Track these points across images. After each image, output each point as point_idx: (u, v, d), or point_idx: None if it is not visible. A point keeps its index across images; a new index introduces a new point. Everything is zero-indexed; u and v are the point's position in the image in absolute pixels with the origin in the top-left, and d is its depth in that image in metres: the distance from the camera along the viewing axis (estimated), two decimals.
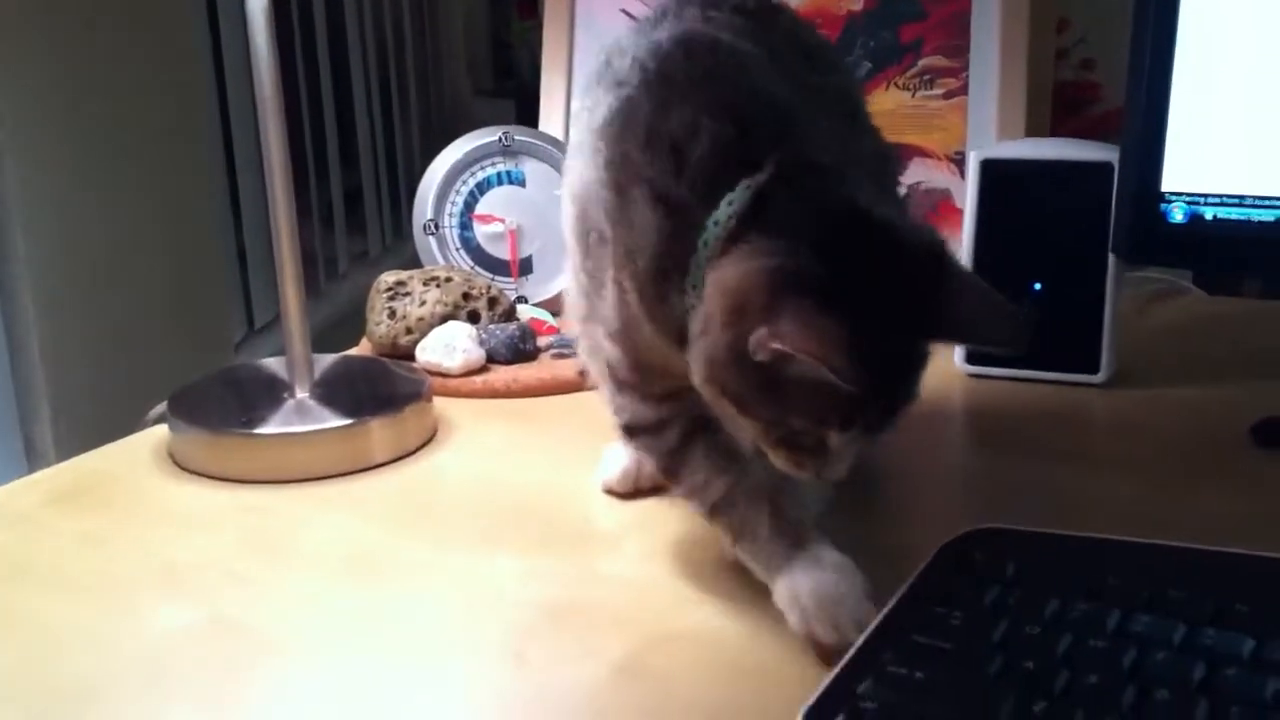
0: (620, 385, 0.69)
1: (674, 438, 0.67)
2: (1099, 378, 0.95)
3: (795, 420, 0.58)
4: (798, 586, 0.61)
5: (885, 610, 0.56)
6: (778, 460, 0.61)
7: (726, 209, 0.58)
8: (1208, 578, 0.55)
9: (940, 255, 0.58)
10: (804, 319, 0.54)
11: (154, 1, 1.71)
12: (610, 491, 0.80)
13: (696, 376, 0.60)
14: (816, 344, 0.53)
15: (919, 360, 0.59)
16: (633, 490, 0.80)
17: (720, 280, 0.58)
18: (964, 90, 1.19)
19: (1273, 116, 0.87)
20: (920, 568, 0.59)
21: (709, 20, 0.67)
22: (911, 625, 0.54)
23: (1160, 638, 0.51)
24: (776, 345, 0.54)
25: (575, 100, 0.75)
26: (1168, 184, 0.90)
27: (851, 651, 0.53)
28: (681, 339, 0.61)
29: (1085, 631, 0.52)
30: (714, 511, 0.66)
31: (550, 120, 1.30)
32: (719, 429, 0.65)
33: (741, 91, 0.62)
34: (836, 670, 0.53)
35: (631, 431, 0.70)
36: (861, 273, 0.56)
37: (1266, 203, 0.87)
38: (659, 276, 0.61)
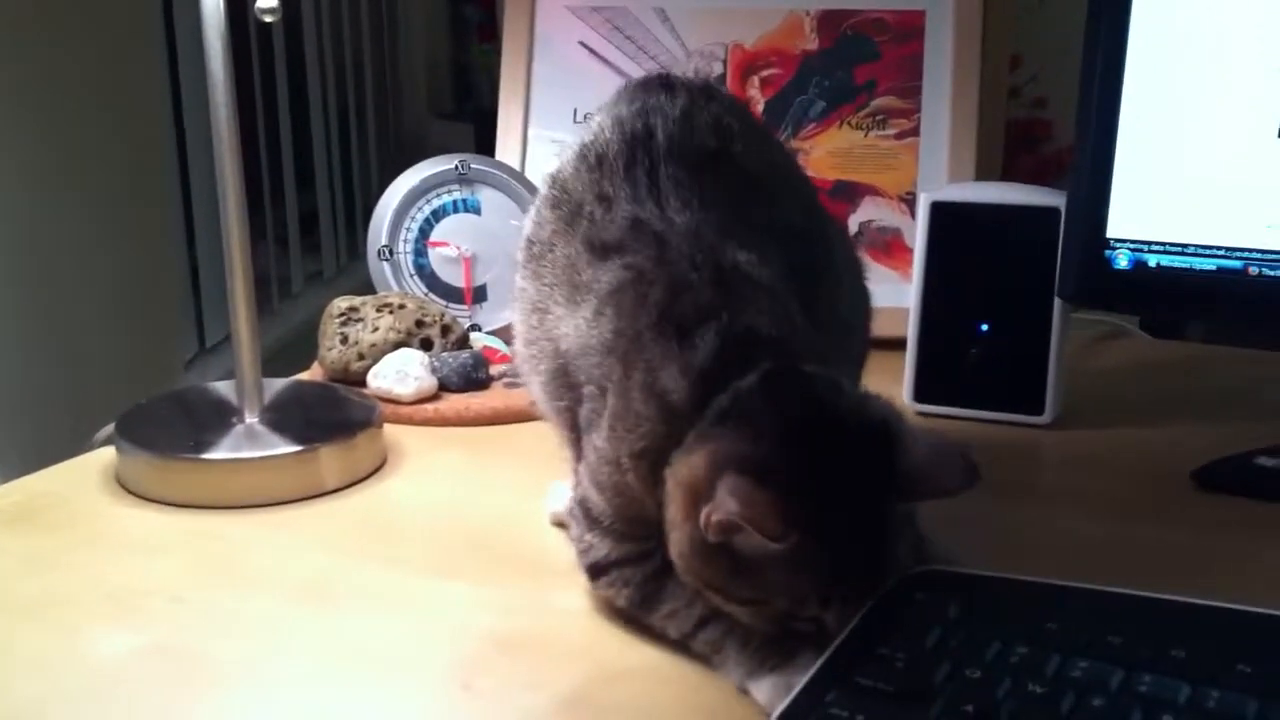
0: (594, 524, 0.68)
1: (656, 563, 0.65)
2: (1044, 418, 0.97)
3: (778, 601, 0.60)
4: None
5: (829, 651, 0.57)
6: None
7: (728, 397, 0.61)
8: (1146, 623, 0.56)
9: (887, 422, 0.61)
10: (736, 488, 0.56)
11: (110, 17, 1.70)
12: (559, 524, 0.80)
13: (678, 571, 0.62)
14: (748, 509, 0.55)
15: (887, 529, 0.60)
16: None
17: (675, 474, 0.61)
18: (916, 131, 1.21)
19: (1214, 167, 0.89)
20: (864, 608, 0.59)
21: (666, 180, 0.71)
22: (854, 667, 0.55)
23: (1098, 682, 0.52)
24: (717, 517, 0.56)
25: (544, 188, 0.76)
26: (1113, 230, 0.92)
27: (794, 693, 0.54)
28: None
29: (1025, 675, 0.53)
30: (698, 627, 0.64)
31: (507, 149, 1.31)
32: None
33: (742, 288, 0.66)
34: (779, 711, 0.53)
35: (600, 570, 0.68)
36: (812, 451, 0.59)
37: (1208, 252, 0.89)
38: (652, 461, 0.63)
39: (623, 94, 0.77)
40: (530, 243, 0.75)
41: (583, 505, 0.68)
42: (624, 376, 0.64)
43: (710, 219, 0.69)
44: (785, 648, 0.61)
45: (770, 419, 0.60)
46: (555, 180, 0.75)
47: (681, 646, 0.65)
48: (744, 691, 0.61)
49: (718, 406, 0.61)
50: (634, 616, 0.67)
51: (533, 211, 0.77)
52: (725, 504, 0.56)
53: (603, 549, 0.68)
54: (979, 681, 0.53)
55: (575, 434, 0.70)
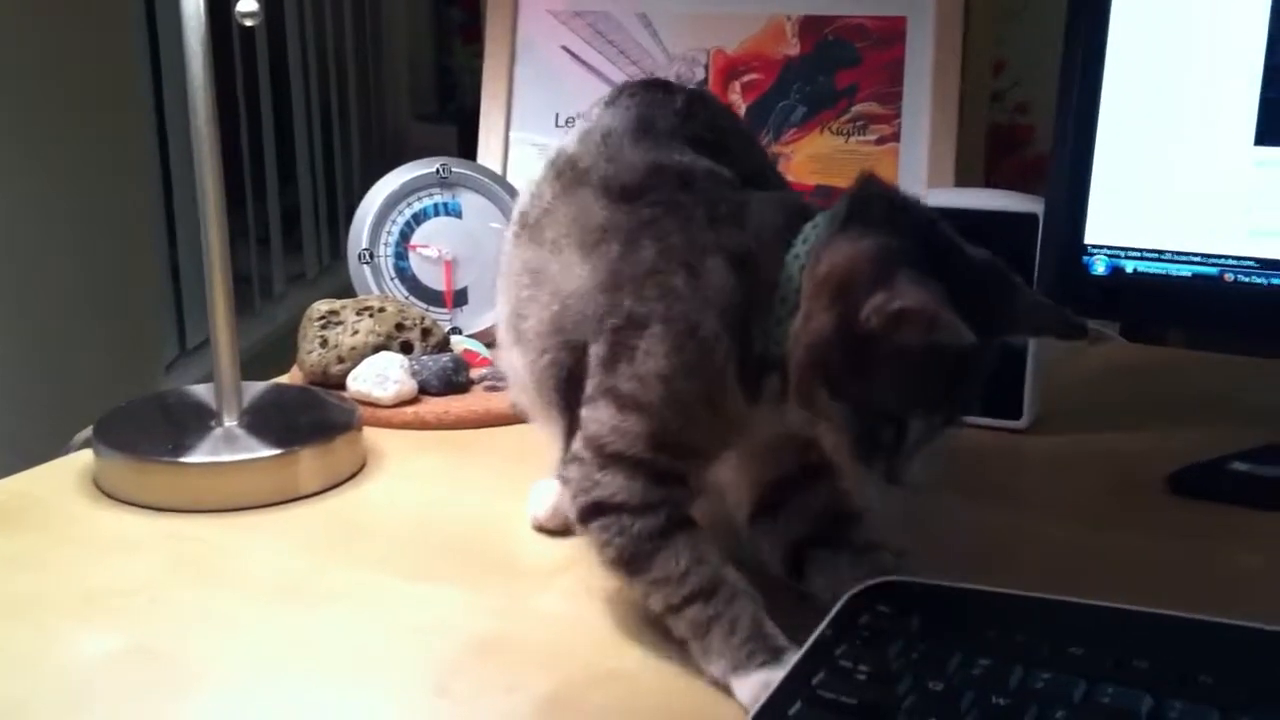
0: (610, 460, 0.66)
1: (658, 522, 0.65)
2: (1021, 423, 0.97)
3: (887, 401, 0.61)
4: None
5: (793, 661, 0.57)
6: (853, 460, 0.63)
7: (809, 235, 0.64)
8: (1109, 634, 0.56)
9: (999, 264, 0.63)
10: (918, 282, 0.58)
11: (91, 16, 1.70)
12: (541, 529, 0.80)
13: (793, 377, 0.63)
14: (934, 301, 0.57)
15: (992, 357, 0.63)
16: (563, 527, 0.79)
17: (827, 265, 0.62)
18: (896, 137, 1.21)
19: (1191, 175, 0.90)
20: (827, 618, 0.59)
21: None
22: (816, 678, 0.55)
23: (1061, 694, 0.52)
24: (897, 304, 0.57)
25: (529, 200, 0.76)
26: (1090, 237, 0.92)
27: (760, 704, 0.54)
28: (753, 393, 0.65)
29: (988, 688, 0.53)
30: (685, 602, 0.63)
31: (489, 151, 1.31)
32: (698, 527, 0.66)
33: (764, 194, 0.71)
34: None
35: (599, 510, 0.66)
36: (946, 269, 0.60)
37: (1184, 258, 0.90)
38: (738, 333, 0.64)
39: (623, 90, 0.78)
40: (524, 216, 0.75)
41: (596, 443, 0.66)
42: (688, 275, 0.65)
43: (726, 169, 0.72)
44: (772, 645, 0.61)
45: (906, 231, 0.62)
46: (557, 159, 0.75)
47: (658, 643, 0.65)
48: (723, 687, 0.61)
49: (827, 222, 0.63)
50: (618, 572, 0.66)
51: (526, 194, 0.77)
52: (911, 294, 0.57)
53: (611, 488, 0.66)
54: (941, 694, 0.53)
55: (567, 388, 0.70)
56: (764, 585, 0.65)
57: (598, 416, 0.67)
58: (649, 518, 0.65)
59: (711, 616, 0.63)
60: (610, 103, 0.77)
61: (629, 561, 0.65)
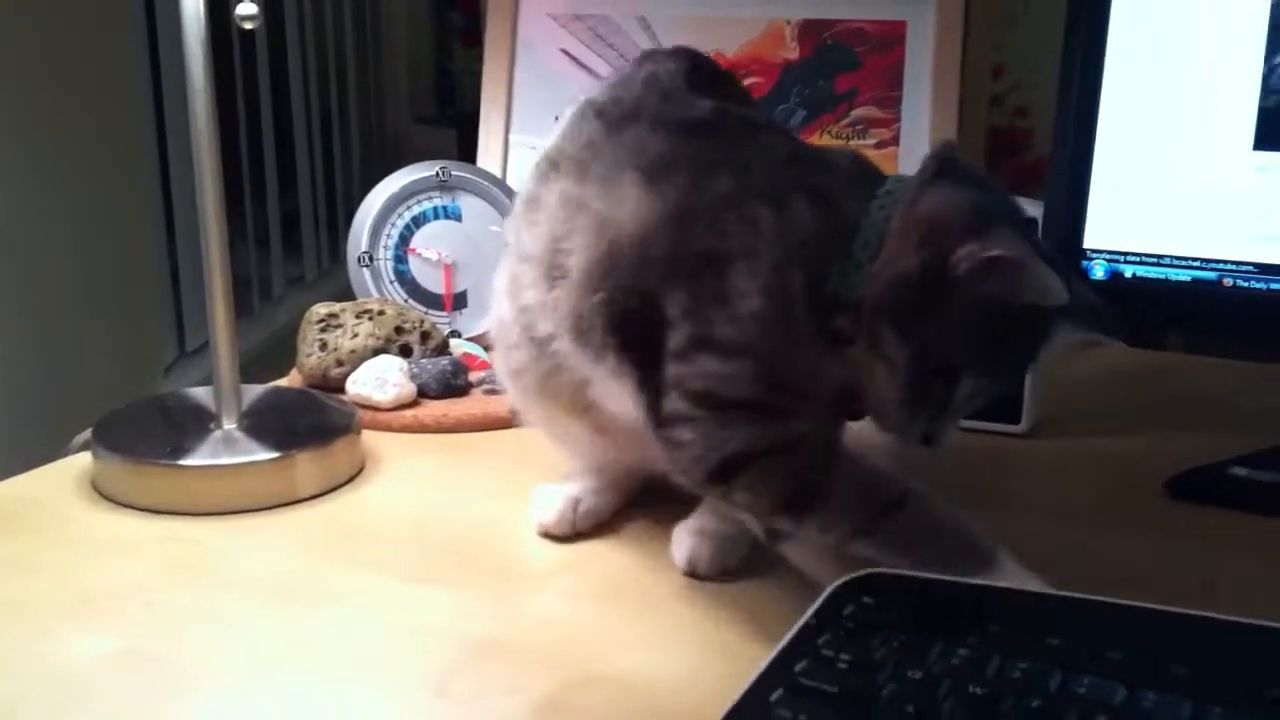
0: (731, 410, 0.64)
1: (808, 456, 0.65)
2: (1021, 427, 0.97)
3: (951, 351, 0.63)
4: None
5: (777, 649, 0.57)
6: (899, 409, 0.65)
7: (892, 186, 0.65)
8: (1085, 625, 0.57)
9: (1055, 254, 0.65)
10: (1015, 237, 0.61)
11: (91, 16, 1.70)
12: (547, 534, 0.80)
13: (868, 311, 0.63)
14: (1031, 255, 0.60)
15: (1051, 333, 0.66)
16: (571, 533, 0.79)
17: (926, 207, 0.63)
18: (896, 141, 1.22)
19: (1190, 180, 0.90)
20: (812, 608, 0.60)
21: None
22: (799, 666, 0.55)
23: (1037, 684, 0.53)
24: (994, 252, 0.60)
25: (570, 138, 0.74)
26: (1089, 241, 0.92)
27: (741, 692, 0.54)
28: (833, 338, 0.65)
29: (966, 677, 0.53)
30: (882, 516, 0.64)
31: (489, 154, 1.31)
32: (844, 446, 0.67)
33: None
34: (726, 711, 0.54)
35: (744, 461, 0.64)
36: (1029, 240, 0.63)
37: (1183, 263, 0.90)
38: (813, 272, 0.64)
39: (649, 55, 0.77)
40: (556, 154, 0.73)
41: (709, 397, 0.64)
42: (772, 209, 0.65)
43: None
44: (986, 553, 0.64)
45: (991, 194, 0.66)
46: (589, 105, 0.74)
47: (658, 644, 0.66)
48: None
49: (923, 169, 0.65)
50: (786, 517, 0.65)
51: (555, 138, 0.75)
52: (1011, 246, 0.60)
53: (746, 437, 0.64)
54: (920, 682, 0.53)
55: (625, 329, 0.67)
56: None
57: (701, 370, 0.64)
58: (796, 455, 0.64)
59: (915, 527, 0.64)
60: (643, 60, 0.76)
61: (795, 503, 0.64)
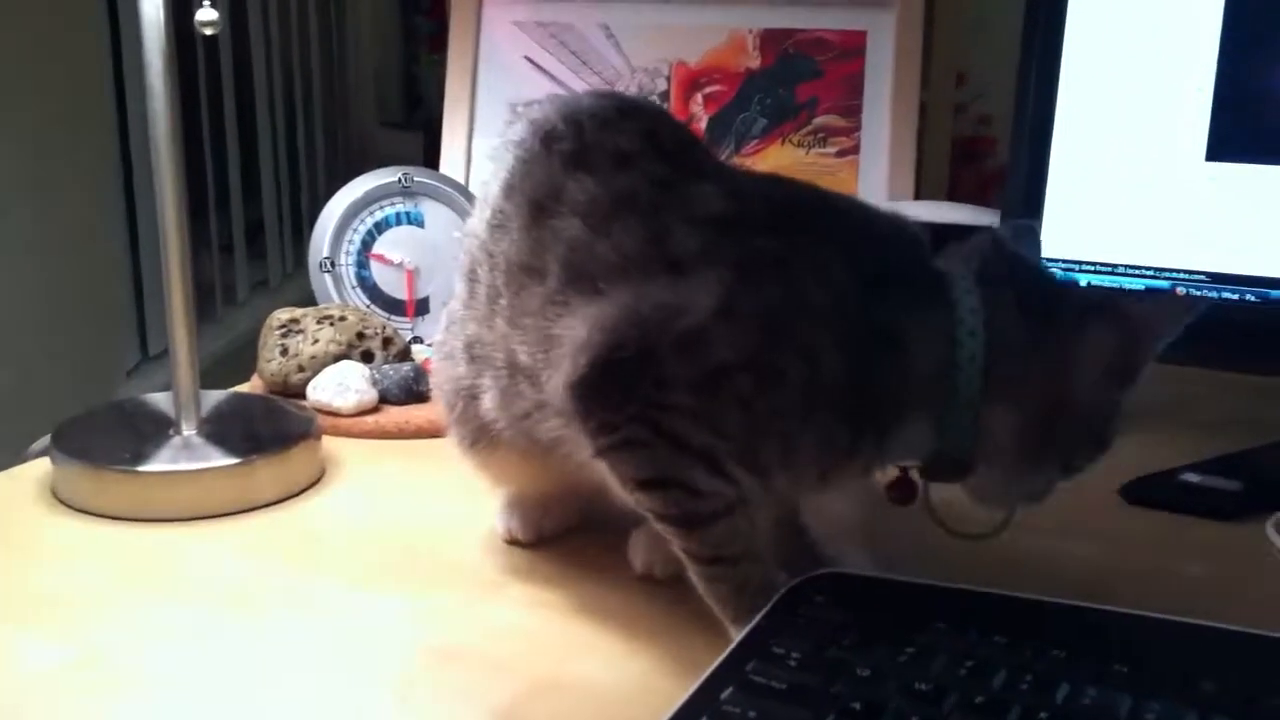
0: (729, 464, 0.63)
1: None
2: None
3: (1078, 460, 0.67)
4: None
5: (730, 648, 0.58)
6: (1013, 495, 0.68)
7: (968, 316, 0.63)
8: (1029, 624, 0.58)
9: None
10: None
11: (53, 18, 1.69)
12: (514, 541, 0.80)
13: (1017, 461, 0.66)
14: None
15: None
16: (535, 538, 0.79)
17: (1102, 349, 0.64)
18: (857, 150, 1.23)
19: (1144, 190, 0.91)
20: (764, 608, 0.61)
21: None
22: (750, 664, 0.56)
23: (982, 681, 0.54)
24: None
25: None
26: (1045, 250, 0.93)
27: (692, 689, 0.55)
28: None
29: (912, 674, 0.54)
30: (718, 561, 0.65)
31: (452, 160, 1.31)
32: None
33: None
34: (676, 708, 0.54)
35: (728, 510, 0.64)
36: None
37: (1137, 272, 0.91)
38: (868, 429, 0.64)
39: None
40: (537, 203, 0.68)
41: (705, 457, 0.63)
42: (841, 354, 0.62)
43: None
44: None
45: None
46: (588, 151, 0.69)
47: (616, 651, 0.66)
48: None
49: (999, 300, 0.64)
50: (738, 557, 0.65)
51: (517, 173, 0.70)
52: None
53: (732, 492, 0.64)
54: (868, 679, 0.54)
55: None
56: None
57: (724, 432, 0.63)
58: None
59: (733, 575, 0.64)
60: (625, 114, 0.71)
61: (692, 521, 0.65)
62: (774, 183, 0.70)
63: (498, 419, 0.71)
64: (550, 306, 0.65)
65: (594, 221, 0.66)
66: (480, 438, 0.74)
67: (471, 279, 0.72)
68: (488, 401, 0.71)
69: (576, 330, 0.64)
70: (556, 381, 0.65)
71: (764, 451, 0.63)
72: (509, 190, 0.70)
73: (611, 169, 0.67)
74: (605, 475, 0.66)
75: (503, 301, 0.68)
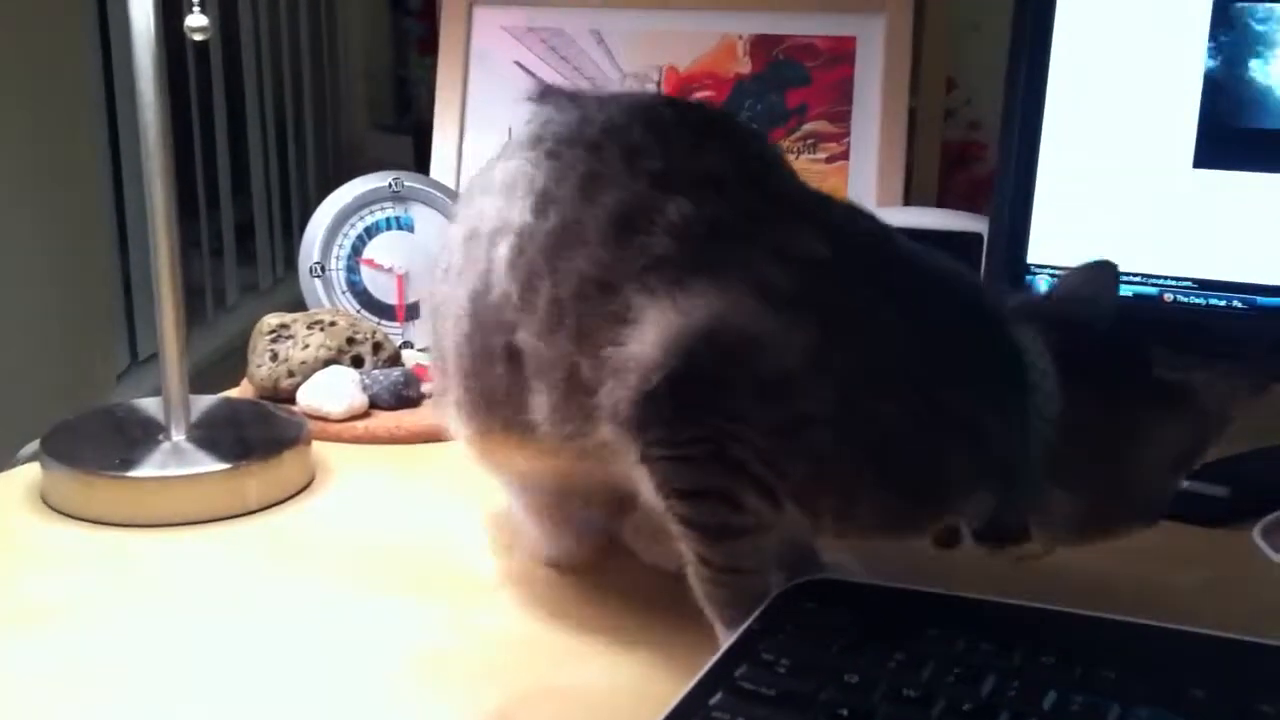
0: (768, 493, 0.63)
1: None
2: None
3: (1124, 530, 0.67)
4: None
5: (719, 653, 0.58)
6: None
7: (1045, 394, 0.62)
8: (1017, 630, 0.59)
9: None
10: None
11: (43, 24, 1.69)
12: (555, 565, 0.78)
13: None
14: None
15: None
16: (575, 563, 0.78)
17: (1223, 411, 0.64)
18: (846, 155, 1.23)
19: (1132, 196, 0.91)
20: (754, 614, 0.61)
21: None
22: (739, 670, 0.56)
23: (970, 688, 0.54)
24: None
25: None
26: (1033, 256, 0.94)
27: (681, 695, 0.55)
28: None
29: (900, 681, 0.55)
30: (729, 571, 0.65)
31: (442, 164, 1.31)
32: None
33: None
34: (665, 713, 0.54)
35: (749, 530, 0.64)
36: None
37: (1125, 278, 0.91)
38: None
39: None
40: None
41: (759, 483, 0.62)
42: (921, 448, 0.62)
43: None
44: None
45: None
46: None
47: (607, 657, 0.66)
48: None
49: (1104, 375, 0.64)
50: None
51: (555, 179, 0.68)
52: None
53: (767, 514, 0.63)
54: (856, 686, 0.55)
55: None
56: None
57: (770, 460, 0.63)
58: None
59: (740, 584, 0.64)
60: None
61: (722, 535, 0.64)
62: (864, 221, 0.69)
63: (540, 424, 0.68)
64: (622, 327, 0.64)
65: (684, 245, 0.64)
66: (494, 429, 0.72)
67: (528, 288, 0.67)
68: (535, 410, 0.68)
69: (648, 347, 0.62)
70: (618, 394, 0.63)
71: (823, 499, 0.63)
72: (583, 199, 0.66)
73: (703, 192, 0.65)
74: (639, 480, 0.65)
75: (569, 321, 0.65)
